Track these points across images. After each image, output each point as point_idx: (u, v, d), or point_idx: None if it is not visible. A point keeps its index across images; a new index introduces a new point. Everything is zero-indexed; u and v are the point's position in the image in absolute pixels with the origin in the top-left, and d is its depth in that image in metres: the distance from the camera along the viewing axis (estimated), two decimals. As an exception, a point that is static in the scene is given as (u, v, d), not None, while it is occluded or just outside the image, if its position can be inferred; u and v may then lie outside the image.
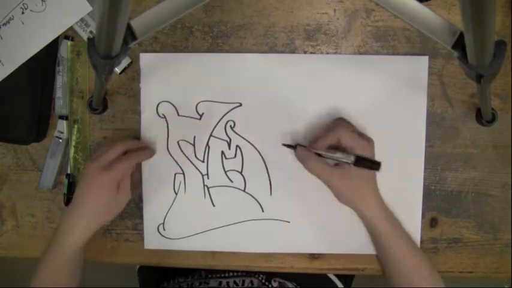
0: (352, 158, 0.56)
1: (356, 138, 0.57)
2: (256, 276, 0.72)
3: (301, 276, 0.70)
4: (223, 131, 0.65)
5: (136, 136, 0.66)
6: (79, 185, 0.62)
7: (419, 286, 0.60)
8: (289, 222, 0.66)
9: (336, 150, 0.58)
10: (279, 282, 0.72)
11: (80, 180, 0.62)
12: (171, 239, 0.67)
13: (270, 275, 0.72)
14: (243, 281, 0.71)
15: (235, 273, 0.73)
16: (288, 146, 0.62)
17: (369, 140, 0.59)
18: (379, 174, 0.63)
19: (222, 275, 0.73)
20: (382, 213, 0.61)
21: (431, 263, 0.62)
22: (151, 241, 0.67)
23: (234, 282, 0.71)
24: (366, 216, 0.61)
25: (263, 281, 0.71)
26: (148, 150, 0.65)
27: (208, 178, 0.66)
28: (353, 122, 0.62)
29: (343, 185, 0.59)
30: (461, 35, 0.41)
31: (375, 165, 0.56)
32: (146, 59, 0.65)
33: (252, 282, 0.71)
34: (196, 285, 0.71)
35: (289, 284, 0.73)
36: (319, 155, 0.58)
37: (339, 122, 0.60)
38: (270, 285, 0.71)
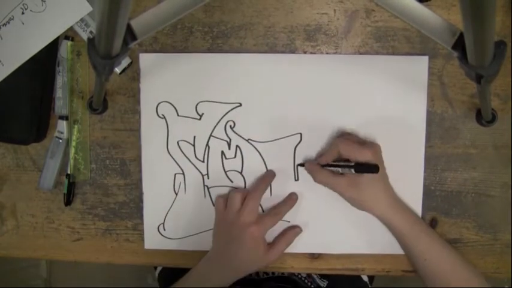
0: (352, 166, 0.58)
1: (354, 147, 0.59)
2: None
3: None
4: (223, 131, 0.65)
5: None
6: (221, 239, 0.64)
7: (448, 278, 0.60)
8: (289, 222, 0.66)
9: (339, 162, 0.60)
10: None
11: (220, 233, 0.64)
12: (171, 239, 0.67)
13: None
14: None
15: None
16: (300, 164, 0.65)
17: (370, 146, 0.59)
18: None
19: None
20: (397, 211, 0.61)
21: (459, 254, 0.62)
22: (152, 241, 0.67)
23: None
24: (382, 217, 0.62)
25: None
26: (268, 174, 0.65)
27: (208, 178, 0.66)
28: (352, 123, 0.63)
29: (351, 192, 0.60)
30: (461, 36, 0.41)
31: (373, 169, 0.57)
32: (146, 59, 0.65)
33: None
34: None
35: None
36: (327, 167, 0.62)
37: (338, 137, 0.63)
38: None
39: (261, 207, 0.66)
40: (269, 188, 0.66)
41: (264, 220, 0.62)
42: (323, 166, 0.62)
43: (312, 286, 0.77)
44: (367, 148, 0.59)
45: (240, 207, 0.62)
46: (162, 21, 0.44)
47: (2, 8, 0.62)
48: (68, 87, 0.66)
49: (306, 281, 0.77)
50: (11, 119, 0.64)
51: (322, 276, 0.78)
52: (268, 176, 0.65)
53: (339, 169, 0.60)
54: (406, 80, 0.64)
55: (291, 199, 0.65)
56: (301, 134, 0.65)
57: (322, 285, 0.77)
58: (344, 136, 0.63)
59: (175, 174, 0.66)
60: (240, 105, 0.65)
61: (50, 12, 0.62)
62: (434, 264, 0.61)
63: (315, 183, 0.64)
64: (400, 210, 0.62)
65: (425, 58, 0.63)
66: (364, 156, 0.58)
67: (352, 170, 0.58)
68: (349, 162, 0.59)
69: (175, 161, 0.66)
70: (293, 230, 0.65)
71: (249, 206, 0.61)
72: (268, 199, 0.66)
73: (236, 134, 0.65)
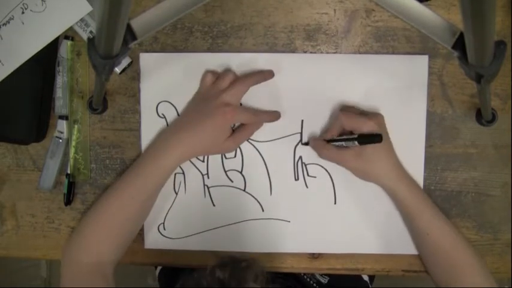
0: (355, 138, 0.58)
1: (356, 119, 0.59)
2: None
3: None
4: (223, 131, 0.65)
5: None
6: (193, 108, 0.62)
7: (448, 254, 0.60)
8: (289, 222, 0.66)
9: (344, 136, 0.60)
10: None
11: (196, 103, 0.63)
12: (171, 238, 0.67)
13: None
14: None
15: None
16: (306, 143, 0.64)
17: (373, 116, 0.59)
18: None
19: None
20: (403, 181, 0.61)
21: (460, 234, 0.62)
22: (152, 241, 0.67)
23: None
24: (387, 187, 0.62)
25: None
26: (268, 71, 0.63)
27: (208, 178, 0.66)
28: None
29: (357, 164, 0.60)
30: (461, 35, 0.41)
31: (375, 139, 0.56)
32: (146, 59, 0.65)
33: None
34: None
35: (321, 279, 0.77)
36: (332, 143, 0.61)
37: (340, 110, 0.62)
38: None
39: (259, 203, 0.66)
40: (269, 187, 0.66)
41: (242, 110, 0.61)
42: (328, 141, 0.61)
43: (311, 282, 0.77)
44: (370, 119, 0.59)
45: (227, 87, 0.61)
46: (162, 21, 0.44)
47: (2, 8, 0.62)
48: (68, 87, 0.66)
49: (305, 276, 0.77)
50: (11, 119, 0.64)
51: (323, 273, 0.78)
52: (266, 73, 0.63)
53: (343, 143, 0.59)
54: (406, 79, 0.64)
55: (275, 114, 0.64)
56: (301, 134, 0.65)
57: (323, 281, 0.77)
58: (346, 109, 0.62)
59: (175, 174, 0.66)
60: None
61: (50, 12, 0.62)
62: (435, 238, 0.60)
63: (315, 184, 0.64)
64: (405, 181, 0.61)
65: (425, 58, 0.63)
66: (368, 127, 0.58)
67: (356, 143, 0.57)
68: (353, 135, 0.58)
69: (175, 161, 0.66)
70: (254, 123, 0.64)
71: (235, 88, 0.60)
72: (268, 198, 0.66)
73: (236, 133, 0.65)
